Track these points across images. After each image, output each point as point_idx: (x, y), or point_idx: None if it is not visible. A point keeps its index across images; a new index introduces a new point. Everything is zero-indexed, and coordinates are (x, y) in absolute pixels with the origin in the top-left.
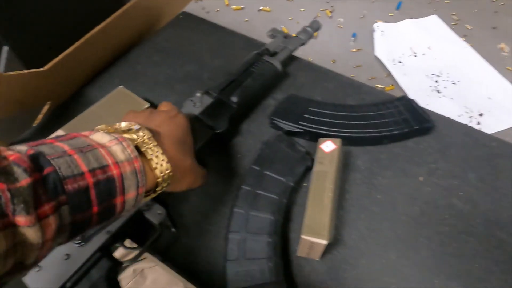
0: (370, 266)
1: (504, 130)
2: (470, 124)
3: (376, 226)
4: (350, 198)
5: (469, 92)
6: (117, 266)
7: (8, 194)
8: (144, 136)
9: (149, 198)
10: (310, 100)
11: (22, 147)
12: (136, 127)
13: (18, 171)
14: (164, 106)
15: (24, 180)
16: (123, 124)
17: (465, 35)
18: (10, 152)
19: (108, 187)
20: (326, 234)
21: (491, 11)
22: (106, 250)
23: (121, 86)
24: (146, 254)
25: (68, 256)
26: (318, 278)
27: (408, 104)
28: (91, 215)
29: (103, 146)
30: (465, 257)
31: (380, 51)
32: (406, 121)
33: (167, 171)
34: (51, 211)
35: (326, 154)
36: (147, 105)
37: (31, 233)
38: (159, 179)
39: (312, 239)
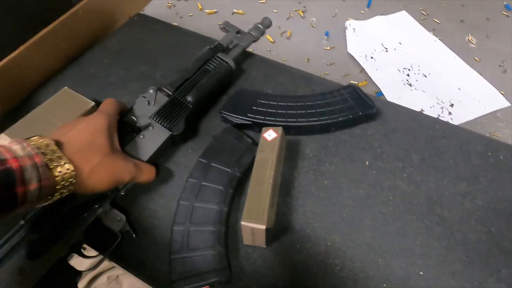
0: (316, 249)
1: (475, 118)
2: (441, 115)
3: (322, 210)
4: (298, 185)
5: (440, 84)
6: (75, 276)
7: None
8: (49, 148)
9: (56, 197)
10: (259, 93)
11: None
12: (35, 137)
13: None
14: (104, 105)
15: None
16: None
17: (434, 29)
18: None
19: (7, 177)
20: (265, 219)
21: (458, 4)
22: (63, 261)
23: (66, 87)
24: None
25: (20, 271)
26: (265, 264)
27: (353, 92)
28: None
29: (2, 146)
30: (407, 235)
31: (353, 48)
32: (351, 108)
33: (68, 170)
34: None
35: (268, 143)
36: (91, 104)
37: None
38: (60, 186)
39: (251, 224)
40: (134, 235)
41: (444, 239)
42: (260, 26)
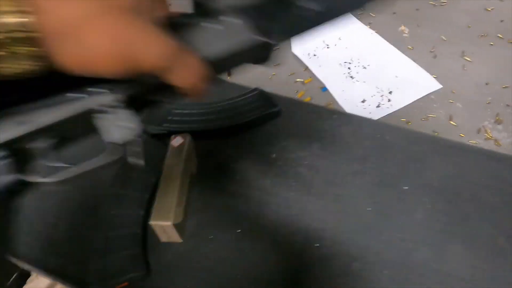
0: (224, 239)
1: (412, 102)
2: (382, 102)
3: (231, 203)
4: (210, 182)
5: (379, 73)
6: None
7: None
8: None
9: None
10: (175, 103)
11: None
12: None
13: None
14: None
15: None
16: None
17: (370, 23)
18: None
19: None
20: (172, 216)
21: None
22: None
23: None
24: None
25: None
26: (183, 258)
27: (258, 94)
28: None
29: None
30: (305, 214)
31: (296, 47)
32: (257, 108)
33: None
34: None
35: (175, 149)
36: None
37: None
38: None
39: (158, 223)
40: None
41: (338, 213)
42: None
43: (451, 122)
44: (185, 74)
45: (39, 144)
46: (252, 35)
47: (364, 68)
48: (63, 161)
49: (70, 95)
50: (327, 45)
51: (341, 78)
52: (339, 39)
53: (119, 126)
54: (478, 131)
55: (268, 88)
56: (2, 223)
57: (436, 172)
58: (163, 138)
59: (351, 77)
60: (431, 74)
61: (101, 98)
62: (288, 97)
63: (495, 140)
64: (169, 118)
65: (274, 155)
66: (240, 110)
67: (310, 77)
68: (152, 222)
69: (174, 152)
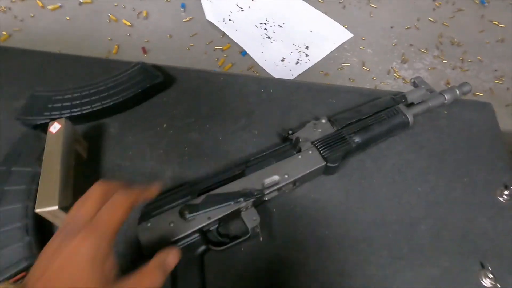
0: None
1: (328, 54)
2: (300, 58)
3: (125, 177)
4: (106, 160)
5: (294, 30)
6: (207, 250)
7: None
8: None
9: None
10: (54, 90)
11: None
12: None
13: None
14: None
15: None
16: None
17: None
18: None
19: None
20: (56, 200)
21: None
22: (202, 233)
23: None
24: None
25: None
26: None
27: (140, 68)
28: None
29: None
30: (199, 174)
31: (210, 14)
32: (139, 82)
33: None
34: None
35: (53, 135)
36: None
37: None
38: None
39: (44, 209)
40: (260, 238)
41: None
42: (456, 90)
43: (364, 68)
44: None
45: (213, 227)
46: (321, 161)
47: (280, 27)
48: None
49: (233, 202)
50: (241, 8)
51: (258, 40)
52: (252, 0)
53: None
54: (388, 72)
55: (188, 59)
56: None
57: (312, 114)
58: (46, 127)
59: (268, 37)
60: (342, 24)
61: (243, 204)
62: (175, 66)
63: (403, 79)
64: (49, 106)
65: (164, 125)
66: (123, 87)
67: (229, 43)
68: (37, 210)
69: (53, 139)
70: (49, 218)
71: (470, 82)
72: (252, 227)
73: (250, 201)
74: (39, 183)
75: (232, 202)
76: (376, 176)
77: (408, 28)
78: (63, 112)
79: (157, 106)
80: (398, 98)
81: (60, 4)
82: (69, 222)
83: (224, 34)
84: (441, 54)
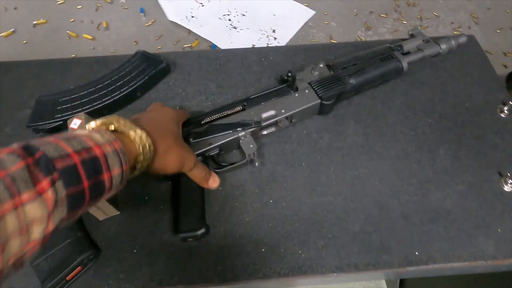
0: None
1: (295, 34)
2: (269, 42)
3: None
4: None
5: (258, 16)
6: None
7: (9, 178)
8: (120, 120)
9: (134, 174)
10: (59, 93)
11: (14, 144)
12: (114, 118)
13: (12, 158)
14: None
15: (18, 163)
16: (101, 120)
17: None
18: (3, 148)
19: (94, 165)
20: None
21: None
22: (205, 157)
23: None
24: None
25: None
26: (124, 228)
27: (142, 56)
28: (83, 189)
29: (84, 135)
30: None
31: (172, 14)
32: (144, 70)
33: (148, 145)
34: (48, 186)
35: (76, 130)
36: None
37: (36, 207)
38: (140, 152)
39: None
40: (256, 164)
41: None
42: (452, 41)
43: (332, 41)
44: (201, 172)
45: (213, 153)
46: (315, 99)
47: (243, 15)
48: (224, 162)
49: (232, 131)
50: (201, 3)
51: (225, 31)
52: None
53: (248, 145)
54: (355, 41)
55: None
56: None
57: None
58: (62, 128)
59: (234, 27)
60: (302, 3)
61: (241, 133)
62: (170, 52)
63: None
64: (59, 108)
65: (177, 107)
66: (129, 77)
67: (197, 39)
68: None
69: None
70: (91, 210)
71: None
72: (249, 153)
73: (249, 131)
74: None
75: (231, 131)
76: (388, 116)
77: None
78: (74, 111)
79: (166, 90)
80: (394, 47)
81: (12, 29)
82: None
83: (190, 31)
84: (400, 16)
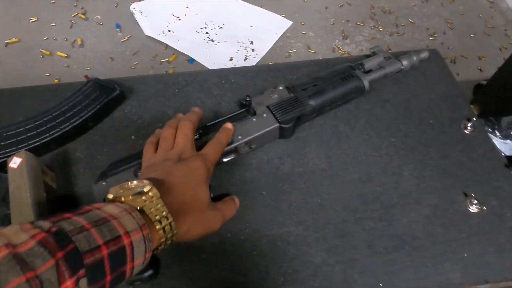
0: None
1: (273, 45)
2: (247, 54)
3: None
4: (78, 186)
5: (235, 29)
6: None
7: (37, 281)
8: (153, 198)
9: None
10: (3, 127)
11: (45, 223)
12: (146, 188)
13: (43, 252)
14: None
15: (49, 262)
16: (135, 183)
17: None
18: (35, 231)
19: (120, 257)
20: None
21: None
22: None
23: None
24: None
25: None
26: None
27: (94, 84)
28: (104, 284)
29: (115, 217)
30: None
31: (148, 29)
32: (96, 99)
33: (173, 229)
34: (72, 286)
35: (15, 170)
36: None
37: None
38: (162, 239)
39: None
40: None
41: None
42: (414, 57)
43: (310, 51)
44: (229, 214)
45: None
46: (274, 122)
47: (221, 28)
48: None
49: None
50: (178, 17)
51: (203, 45)
52: (187, 7)
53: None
54: (333, 50)
55: None
56: None
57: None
58: (4, 167)
59: (212, 40)
60: (279, 14)
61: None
62: (130, 77)
63: (348, 53)
64: (3, 143)
65: (133, 137)
66: (79, 107)
67: (174, 54)
68: None
69: (17, 174)
70: None
71: (407, 43)
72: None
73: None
74: (12, 222)
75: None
76: (351, 136)
77: (341, 6)
78: (19, 146)
79: (120, 119)
80: (355, 65)
81: None
82: (165, 150)
83: (167, 46)
84: (376, 24)
